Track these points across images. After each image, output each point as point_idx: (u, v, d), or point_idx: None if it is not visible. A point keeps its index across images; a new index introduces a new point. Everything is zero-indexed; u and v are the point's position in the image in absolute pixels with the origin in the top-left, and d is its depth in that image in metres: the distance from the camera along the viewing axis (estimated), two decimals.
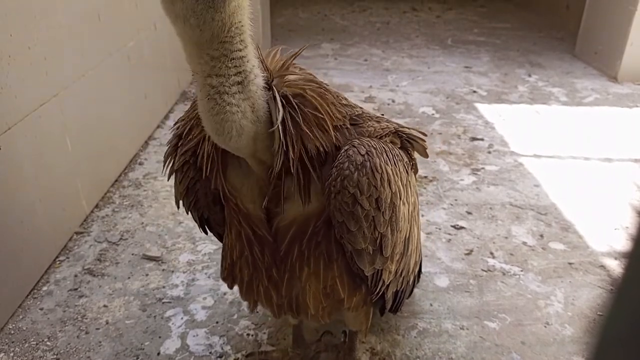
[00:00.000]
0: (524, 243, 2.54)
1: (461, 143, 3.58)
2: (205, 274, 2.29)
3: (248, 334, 1.98)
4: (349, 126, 1.32)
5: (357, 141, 1.28)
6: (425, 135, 1.60)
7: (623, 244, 2.55)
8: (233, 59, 1.07)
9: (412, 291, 1.90)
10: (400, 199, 1.35)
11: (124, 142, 3.15)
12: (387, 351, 1.92)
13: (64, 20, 2.36)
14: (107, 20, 2.81)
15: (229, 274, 1.53)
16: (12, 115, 1.99)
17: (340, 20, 7.23)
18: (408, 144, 1.53)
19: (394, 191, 1.30)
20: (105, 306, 2.11)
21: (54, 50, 2.27)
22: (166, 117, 3.85)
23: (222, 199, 1.39)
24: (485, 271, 2.34)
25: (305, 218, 1.32)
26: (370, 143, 1.28)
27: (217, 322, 2.04)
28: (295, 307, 1.47)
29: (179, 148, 1.42)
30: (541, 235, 2.60)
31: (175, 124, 1.48)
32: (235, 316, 2.06)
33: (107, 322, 2.02)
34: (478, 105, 4.26)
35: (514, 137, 3.67)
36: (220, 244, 1.66)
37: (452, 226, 2.66)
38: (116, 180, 2.99)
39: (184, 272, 2.30)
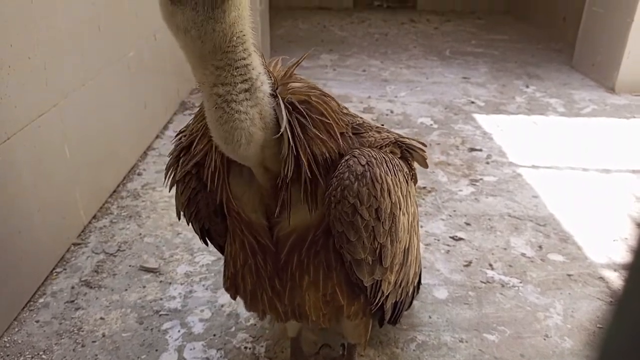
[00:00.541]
0: (523, 254, 2.53)
1: (459, 154, 3.59)
2: (203, 285, 2.28)
3: (246, 347, 1.97)
4: (351, 135, 1.32)
5: (358, 151, 1.28)
6: (425, 145, 1.61)
7: (622, 255, 2.54)
8: (238, 68, 1.07)
9: (411, 302, 1.89)
10: (400, 209, 1.35)
11: (123, 152, 3.15)
12: None
13: (64, 31, 2.38)
14: (107, 30, 2.83)
15: (231, 284, 1.53)
16: (12, 125, 1.99)
17: (339, 32, 7.29)
18: (408, 154, 1.54)
19: (393, 201, 1.30)
20: (102, 318, 2.09)
21: (54, 60, 2.28)
22: (165, 128, 3.85)
23: (225, 208, 1.39)
24: (484, 283, 2.33)
25: (305, 227, 1.32)
26: (371, 153, 1.29)
27: (214, 335, 2.02)
28: (298, 314, 1.49)
29: (181, 159, 1.41)
30: (540, 247, 2.59)
31: (176, 135, 1.47)
32: (233, 329, 2.05)
33: (103, 335, 2.01)
34: (476, 115, 4.28)
35: (512, 148, 3.68)
36: (219, 256, 1.65)
37: (450, 237, 2.65)
38: (114, 191, 2.98)
39: (181, 284, 2.28)
